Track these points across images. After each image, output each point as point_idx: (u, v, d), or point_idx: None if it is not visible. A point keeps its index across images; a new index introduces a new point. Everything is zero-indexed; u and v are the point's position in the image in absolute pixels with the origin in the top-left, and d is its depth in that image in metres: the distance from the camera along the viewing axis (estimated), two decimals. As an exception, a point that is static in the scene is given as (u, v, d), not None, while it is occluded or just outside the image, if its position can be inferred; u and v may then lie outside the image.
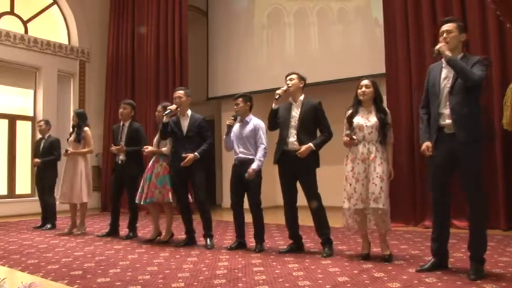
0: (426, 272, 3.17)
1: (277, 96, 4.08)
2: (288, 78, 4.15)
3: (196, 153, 4.47)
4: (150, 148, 4.95)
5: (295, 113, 4.06)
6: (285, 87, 4.09)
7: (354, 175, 3.65)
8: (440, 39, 3.19)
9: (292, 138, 4.01)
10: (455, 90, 3.11)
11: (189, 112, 4.67)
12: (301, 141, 3.97)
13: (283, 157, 4.06)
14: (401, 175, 5.72)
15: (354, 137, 3.69)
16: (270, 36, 8.83)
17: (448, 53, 3.10)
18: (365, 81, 3.73)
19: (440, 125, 3.17)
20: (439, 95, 3.19)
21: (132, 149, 5.21)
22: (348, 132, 3.73)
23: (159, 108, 5.02)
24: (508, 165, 5.30)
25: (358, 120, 3.70)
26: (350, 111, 3.77)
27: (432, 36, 5.86)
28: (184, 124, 4.60)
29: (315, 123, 4.06)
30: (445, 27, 3.20)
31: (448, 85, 3.16)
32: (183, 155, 4.46)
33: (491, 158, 5.37)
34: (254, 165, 4.22)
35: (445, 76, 3.20)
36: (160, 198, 4.77)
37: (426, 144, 3.24)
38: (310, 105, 4.05)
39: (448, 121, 3.13)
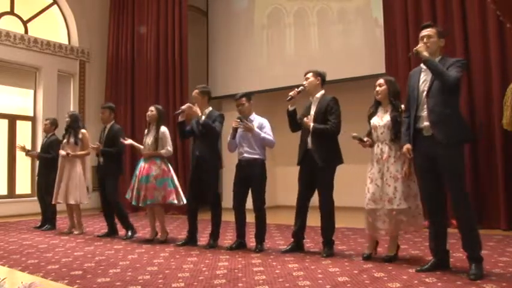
0: (426, 272, 3.16)
1: (288, 98, 4.00)
2: (305, 77, 4.10)
3: (208, 120, 4.40)
4: (147, 151, 4.88)
5: (313, 111, 4.03)
6: (299, 89, 4.01)
7: (369, 175, 3.66)
8: (421, 43, 3.26)
9: (310, 137, 3.99)
10: (432, 93, 3.16)
11: (208, 110, 4.59)
12: (312, 140, 3.95)
13: (304, 157, 4.03)
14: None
15: (364, 139, 3.71)
16: (270, 36, 8.83)
17: (425, 54, 3.16)
18: (379, 80, 3.73)
19: (418, 128, 3.22)
20: (418, 98, 3.24)
21: (106, 150, 5.26)
22: (354, 134, 3.74)
23: (151, 108, 5.01)
24: (508, 165, 5.30)
25: (373, 120, 3.71)
26: (371, 111, 3.78)
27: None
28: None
29: (326, 118, 3.96)
30: (425, 32, 3.27)
31: (426, 88, 3.21)
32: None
33: (491, 158, 5.38)
34: (257, 130, 4.22)
35: (424, 80, 3.26)
36: (162, 200, 4.78)
37: (407, 147, 3.30)
38: (325, 102, 4.00)
39: (426, 123, 3.17)
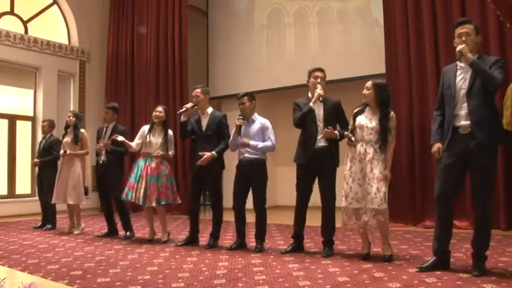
0: (426, 272, 3.16)
1: (321, 99, 3.96)
2: (320, 76, 4.05)
3: (213, 152, 4.40)
4: (161, 152, 4.78)
5: (319, 110, 4.02)
6: (320, 87, 3.97)
7: (351, 174, 3.66)
8: (458, 41, 3.14)
9: (320, 135, 3.98)
10: (474, 93, 3.09)
11: (209, 110, 4.60)
12: (331, 141, 3.96)
13: (310, 159, 3.99)
14: (401, 175, 5.72)
15: (353, 138, 3.71)
16: (270, 36, 8.83)
17: (470, 55, 3.06)
18: (368, 83, 3.72)
19: (456, 126, 3.15)
20: (455, 96, 3.17)
21: (117, 149, 5.21)
22: (346, 132, 3.76)
23: (160, 109, 4.98)
24: (508, 165, 5.30)
25: (360, 119, 3.70)
26: (358, 109, 3.77)
27: (432, 36, 5.88)
28: (204, 122, 4.55)
29: (336, 121, 4.04)
30: (462, 29, 3.15)
31: (464, 87, 3.14)
32: (200, 153, 4.43)
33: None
34: (254, 143, 4.22)
35: (461, 78, 3.18)
36: (172, 200, 4.83)
37: (438, 146, 3.24)
38: (332, 103, 4.04)
39: (464, 122, 3.12)
